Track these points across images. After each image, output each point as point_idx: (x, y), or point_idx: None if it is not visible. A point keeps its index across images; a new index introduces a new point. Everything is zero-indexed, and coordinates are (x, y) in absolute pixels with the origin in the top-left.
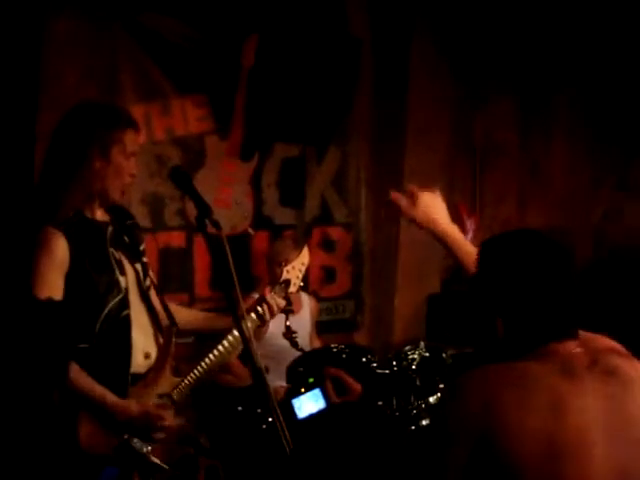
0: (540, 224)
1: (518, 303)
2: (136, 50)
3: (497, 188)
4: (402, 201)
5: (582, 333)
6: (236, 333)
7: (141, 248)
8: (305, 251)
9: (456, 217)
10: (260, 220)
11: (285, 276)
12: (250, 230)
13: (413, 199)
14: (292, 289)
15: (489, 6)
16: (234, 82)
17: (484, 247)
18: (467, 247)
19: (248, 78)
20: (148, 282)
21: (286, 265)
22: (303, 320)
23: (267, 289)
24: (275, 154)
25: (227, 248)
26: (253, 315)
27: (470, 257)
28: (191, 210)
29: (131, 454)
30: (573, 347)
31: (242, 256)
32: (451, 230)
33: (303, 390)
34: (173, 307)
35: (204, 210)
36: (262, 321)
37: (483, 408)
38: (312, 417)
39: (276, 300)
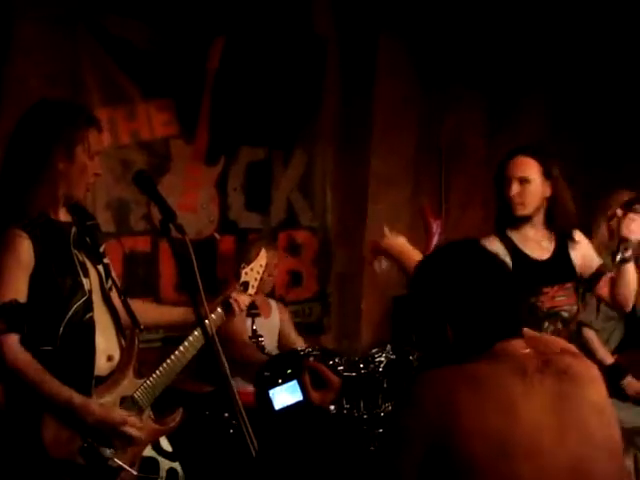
0: None
1: (463, 307)
2: (101, 54)
3: (463, 192)
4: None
5: (533, 334)
6: (196, 333)
7: (101, 249)
8: (263, 253)
9: (422, 220)
10: (226, 224)
11: (244, 278)
12: (216, 234)
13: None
14: (250, 291)
15: (456, 7)
16: (199, 86)
17: (423, 262)
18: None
19: (213, 81)
20: (109, 283)
21: (245, 268)
22: (272, 325)
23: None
24: (241, 158)
25: (192, 252)
26: (220, 309)
27: None
28: (156, 215)
29: (95, 457)
30: (522, 347)
31: (208, 260)
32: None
33: (280, 381)
34: (138, 305)
35: (168, 215)
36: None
37: (437, 410)
38: (289, 409)
39: (240, 297)
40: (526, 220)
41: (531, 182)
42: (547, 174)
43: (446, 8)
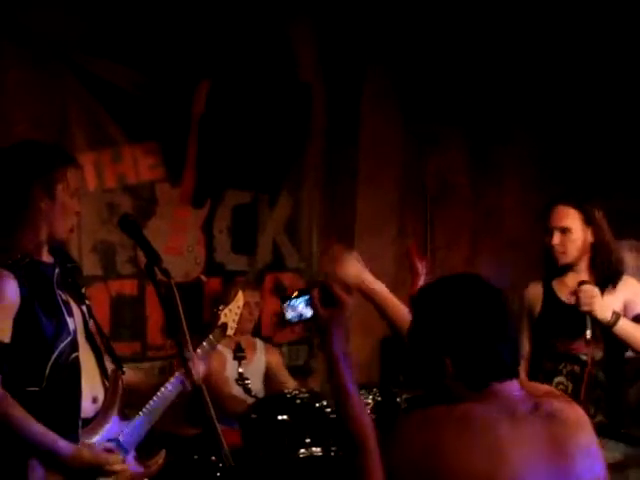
0: (492, 268)
1: (468, 339)
2: (86, 98)
3: (449, 232)
4: (329, 267)
5: (520, 379)
6: (178, 374)
7: (83, 291)
8: (240, 295)
9: (408, 261)
10: (212, 267)
11: (222, 319)
12: (202, 277)
13: (336, 260)
14: (229, 332)
15: (439, 51)
16: (185, 129)
17: (422, 292)
18: (394, 302)
19: (199, 125)
20: (91, 324)
21: (223, 309)
22: (257, 367)
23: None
24: (227, 201)
25: (176, 296)
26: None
27: (398, 312)
28: (143, 258)
29: None
30: (515, 389)
31: (195, 303)
32: (378, 287)
33: (295, 295)
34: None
35: (153, 258)
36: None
37: (423, 453)
38: (299, 322)
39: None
40: (569, 267)
41: (572, 231)
42: (588, 221)
43: (430, 50)
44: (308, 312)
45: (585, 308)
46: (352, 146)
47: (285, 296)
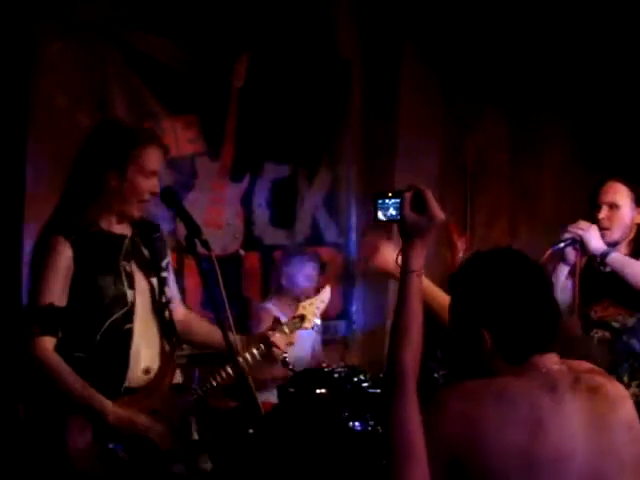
0: (531, 246)
1: (506, 311)
2: (126, 71)
3: (488, 209)
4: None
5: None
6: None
7: (163, 263)
8: (327, 289)
9: (447, 238)
10: (251, 240)
11: (300, 311)
12: (241, 251)
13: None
14: (307, 325)
15: (478, 27)
16: (224, 103)
17: (469, 263)
18: (437, 293)
19: (238, 99)
20: (164, 298)
21: (304, 301)
22: (307, 335)
23: (271, 331)
24: (266, 175)
25: (217, 268)
26: (255, 350)
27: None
28: (182, 231)
29: (115, 461)
30: (555, 362)
31: (233, 276)
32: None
33: (389, 195)
34: (196, 320)
35: (194, 230)
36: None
37: (461, 425)
38: (387, 222)
39: (281, 340)
40: (613, 245)
41: (620, 207)
42: (639, 201)
43: (470, 27)
44: (397, 215)
45: (579, 232)
46: (391, 122)
47: (378, 194)
